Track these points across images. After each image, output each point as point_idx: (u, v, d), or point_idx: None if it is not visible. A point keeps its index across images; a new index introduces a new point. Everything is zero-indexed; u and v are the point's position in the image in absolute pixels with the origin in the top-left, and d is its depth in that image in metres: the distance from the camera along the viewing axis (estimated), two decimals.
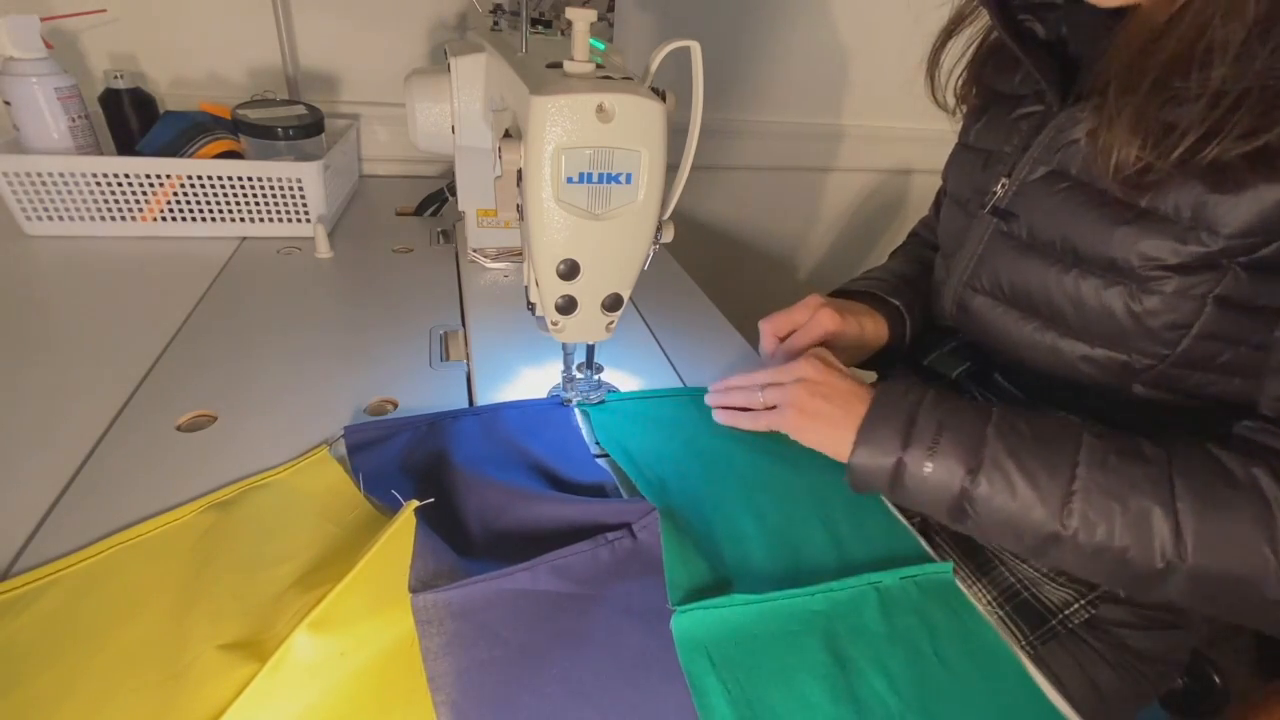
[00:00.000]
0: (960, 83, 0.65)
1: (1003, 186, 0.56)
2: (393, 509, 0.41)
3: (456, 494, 0.46)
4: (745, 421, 0.54)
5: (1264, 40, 0.39)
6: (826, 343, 0.61)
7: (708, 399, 0.57)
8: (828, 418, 0.49)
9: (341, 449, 0.49)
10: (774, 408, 0.53)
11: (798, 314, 0.62)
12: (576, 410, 0.57)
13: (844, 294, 0.70)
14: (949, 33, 0.62)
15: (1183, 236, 0.45)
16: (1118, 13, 0.47)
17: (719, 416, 0.56)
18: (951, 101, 0.66)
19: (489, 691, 0.34)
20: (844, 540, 0.47)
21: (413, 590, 0.37)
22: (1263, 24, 0.39)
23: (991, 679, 0.39)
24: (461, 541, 0.43)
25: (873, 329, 0.65)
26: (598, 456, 0.53)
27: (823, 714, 0.35)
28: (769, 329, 0.63)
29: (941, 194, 0.76)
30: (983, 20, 0.60)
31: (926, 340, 0.68)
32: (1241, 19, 0.39)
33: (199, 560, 0.40)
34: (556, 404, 0.57)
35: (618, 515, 0.44)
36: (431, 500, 0.42)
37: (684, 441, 0.54)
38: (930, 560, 0.46)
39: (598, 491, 0.49)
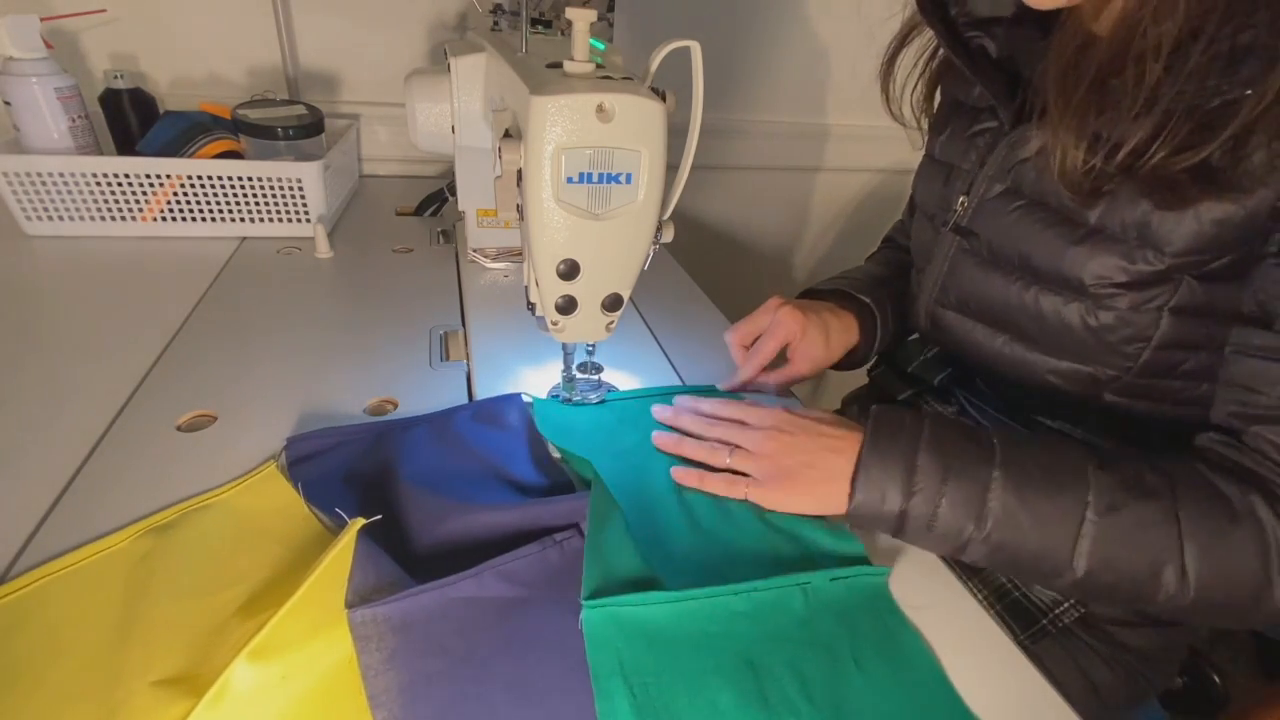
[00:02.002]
0: (916, 96, 0.64)
1: (962, 204, 0.57)
2: (340, 526, 0.39)
3: (401, 505, 0.44)
4: (719, 486, 0.48)
5: (1196, 38, 0.40)
6: (792, 342, 0.61)
7: (656, 439, 0.53)
8: (815, 475, 0.46)
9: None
10: (745, 473, 0.48)
11: (759, 319, 0.62)
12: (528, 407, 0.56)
13: (814, 294, 0.70)
14: (900, 44, 0.61)
15: (1130, 255, 0.45)
16: (1056, 17, 0.47)
17: (680, 477, 0.49)
18: (908, 114, 0.65)
19: (434, 705, 0.33)
20: (781, 539, 0.45)
21: (349, 606, 0.36)
22: (1194, 22, 0.39)
23: (907, 684, 0.38)
24: (406, 553, 0.41)
25: (838, 325, 0.64)
26: (560, 461, 0.51)
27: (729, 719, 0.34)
28: (735, 339, 0.62)
29: (911, 202, 0.75)
30: (931, 31, 0.59)
31: (909, 347, 0.68)
32: (1173, 18, 0.39)
33: (134, 590, 0.37)
34: (509, 399, 0.56)
35: (567, 515, 0.43)
36: (379, 517, 0.40)
37: (621, 438, 0.53)
38: (867, 563, 0.44)
39: (553, 490, 0.48)
